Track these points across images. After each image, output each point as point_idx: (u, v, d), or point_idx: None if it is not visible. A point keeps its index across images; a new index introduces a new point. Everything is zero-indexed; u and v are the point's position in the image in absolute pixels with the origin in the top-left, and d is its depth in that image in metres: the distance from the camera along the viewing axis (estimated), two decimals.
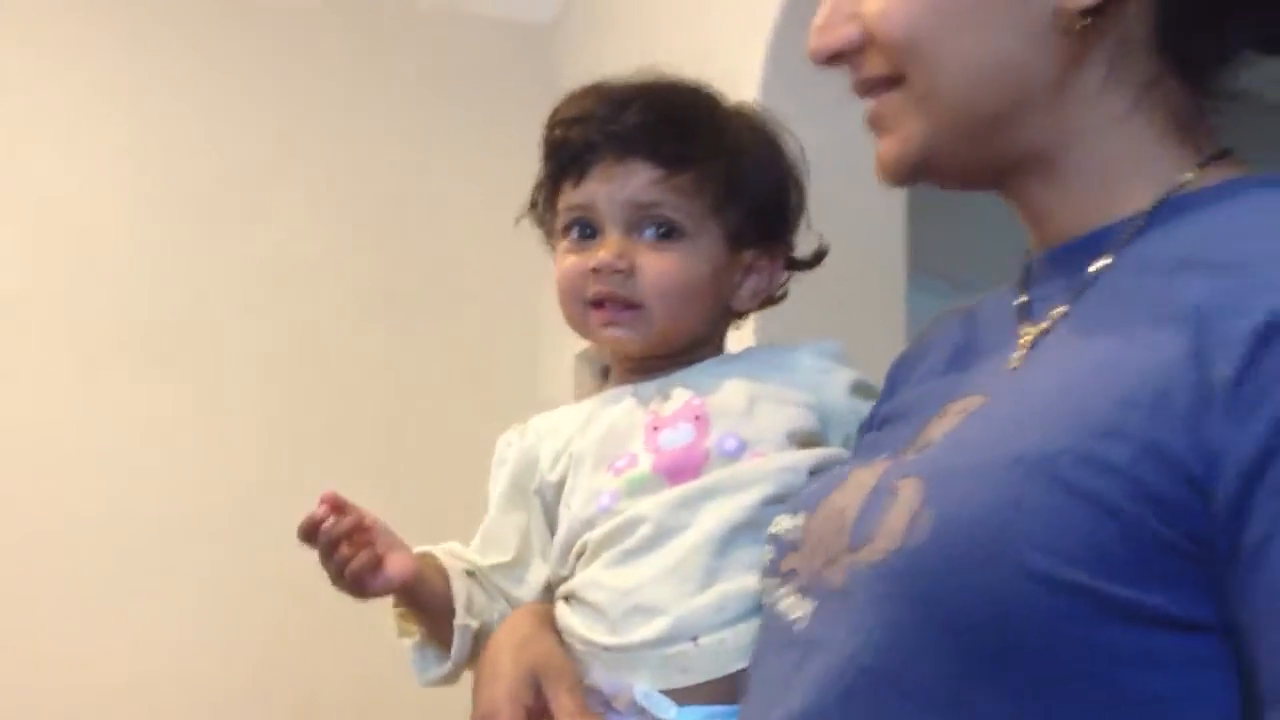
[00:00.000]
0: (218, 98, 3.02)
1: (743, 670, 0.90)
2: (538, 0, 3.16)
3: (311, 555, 1.00)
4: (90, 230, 2.91)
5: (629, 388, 1.09)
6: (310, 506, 0.99)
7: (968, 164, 0.81)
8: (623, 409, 1.07)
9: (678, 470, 1.01)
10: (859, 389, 1.07)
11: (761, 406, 1.04)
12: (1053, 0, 0.74)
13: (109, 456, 2.85)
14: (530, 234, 1.15)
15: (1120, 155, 0.78)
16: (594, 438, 1.06)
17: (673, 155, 1.04)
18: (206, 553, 2.85)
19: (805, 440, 1.03)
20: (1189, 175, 0.76)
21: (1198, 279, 0.69)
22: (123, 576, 2.82)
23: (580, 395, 1.20)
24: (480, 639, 1.05)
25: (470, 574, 1.09)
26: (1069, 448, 0.67)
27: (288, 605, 2.68)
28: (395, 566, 1.01)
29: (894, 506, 0.72)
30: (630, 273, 1.04)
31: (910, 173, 0.81)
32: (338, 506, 1.00)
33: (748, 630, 0.92)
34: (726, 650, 0.94)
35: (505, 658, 1.00)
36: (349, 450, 2.93)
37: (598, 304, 1.06)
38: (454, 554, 1.10)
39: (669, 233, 1.04)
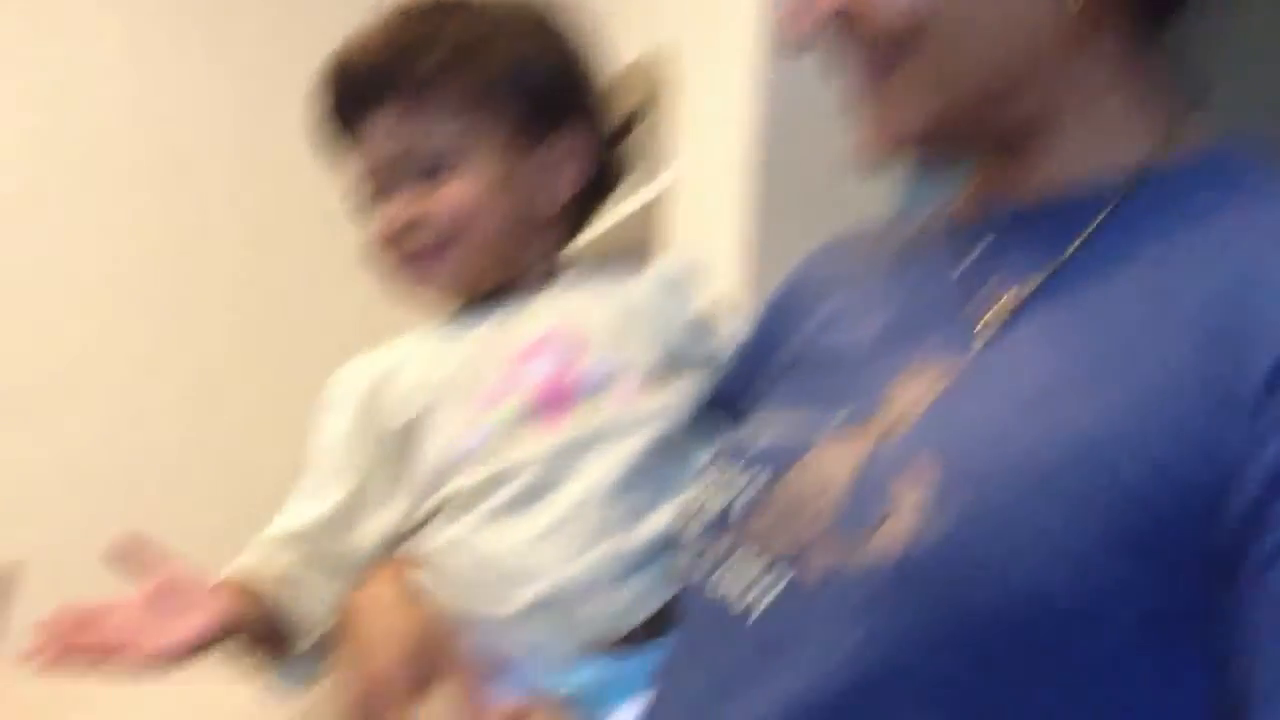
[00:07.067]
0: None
1: (636, 626, 0.86)
2: None
3: None
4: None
5: (479, 315, 1.00)
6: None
7: (962, 137, 0.76)
8: (478, 338, 0.98)
9: (547, 403, 0.93)
10: (699, 320, 1.01)
11: (627, 333, 0.97)
12: None
13: None
14: None
15: (1102, 123, 0.75)
16: (451, 370, 0.97)
17: (398, 87, 0.97)
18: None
19: (664, 369, 0.96)
20: (1164, 141, 0.74)
21: (1211, 275, 0.66)
22: None
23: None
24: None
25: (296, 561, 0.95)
26: (1099, 439, 0.62)
27: None
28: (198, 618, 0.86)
29: (901, 496, 0.65)
30: (420, 221, 0.98)
31: (907, 147, 0.76)
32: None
33: (637, 583, 0.87)
34: (616, 610, 0.88)
35: (387, 621, 0.89)
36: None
37: (410, 263, 1.00)
38: (271, 546, 0.96)
39: (436, 167, 0.97)
